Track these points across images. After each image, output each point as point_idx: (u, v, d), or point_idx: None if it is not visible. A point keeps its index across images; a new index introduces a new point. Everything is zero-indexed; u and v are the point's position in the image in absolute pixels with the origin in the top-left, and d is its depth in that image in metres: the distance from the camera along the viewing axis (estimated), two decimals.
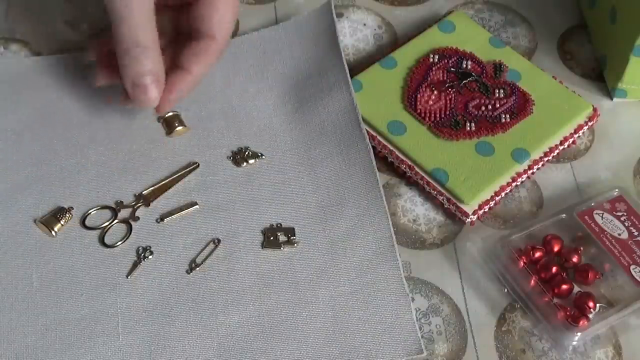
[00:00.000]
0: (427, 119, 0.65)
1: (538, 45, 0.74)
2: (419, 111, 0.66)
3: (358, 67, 0.70)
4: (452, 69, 0.68)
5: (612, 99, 0.70)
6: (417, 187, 0.64)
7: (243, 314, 0.56)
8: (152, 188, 0.61)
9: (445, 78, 0.68)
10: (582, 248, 0.60)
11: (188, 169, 0.62)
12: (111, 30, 0.57)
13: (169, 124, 0.65)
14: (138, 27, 0.56)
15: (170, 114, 0.65)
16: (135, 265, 0.58)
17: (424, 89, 0.67)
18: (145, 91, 0.58)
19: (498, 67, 0.69)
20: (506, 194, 0.63)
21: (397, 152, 0.64)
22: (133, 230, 0.59)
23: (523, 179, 0.64)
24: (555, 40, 0.74)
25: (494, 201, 0.62)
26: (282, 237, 0.59)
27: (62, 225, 0.59)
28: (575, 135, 0.66)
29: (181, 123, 0.65)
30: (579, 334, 0.56)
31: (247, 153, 0.64)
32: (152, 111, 0.65)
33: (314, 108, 0.66)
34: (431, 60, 0.69)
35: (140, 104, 0.59)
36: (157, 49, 0.57)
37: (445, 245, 0.61)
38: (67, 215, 0.60)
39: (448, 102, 0.66)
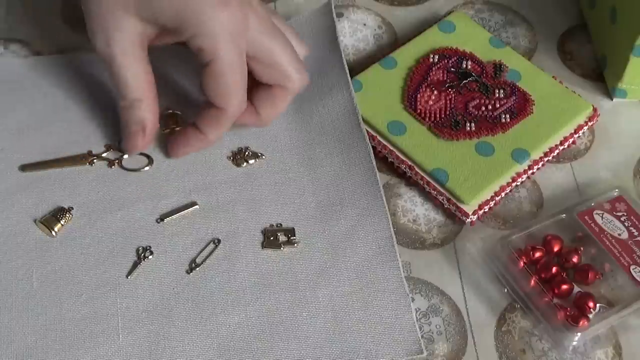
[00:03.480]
0: (427, 119, 0.65)
1: (538, 45, 0.74)
2: (419, 111, 0.66)
3: (358, 67, 0.70)
4: (452, 69, 0.68)
5: (612, 99, 0.70)
6: (417, 187, 0.64)
7: (243, 314, 0.56)
8: None
9: (445, 78, 0.68)
10: (582, 248, 0.60)
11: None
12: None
13: (167, 125, 0.65)
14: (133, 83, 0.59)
15: (170, 112, 0.65)
16: (135, 265, 0.58)
17: (424, 89, 0.67)
18: (132, 138, 0.61)
19: (498, 67, 0.69)
20: (506, 194, 0.63)
21: (397, 152, 0.64)
22: (133, 230, 0.59)
23: (523, 179, 0.64)
24: (555, 40, 0.74)
25: (494, 201, 0.62)
26: (282, 237, 0.59)
27: (62, 225, 0.59)
28: (575, 135, 0.66)
29: (178, 124, 0.65)
30: (579, 334, 0.56)
31: (247, 153, 0.64)
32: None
33: (314, 108, 0.66)
34: (431, 60, 0.69)
35: (128, 148, 0.62)
36: (150, 101, 0.60)
37: (445, 245, 0.61)
38: (67, 215, 0.60)
39: (448, 102, 0.66)
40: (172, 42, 0.60)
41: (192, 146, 0.62)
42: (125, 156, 0.63)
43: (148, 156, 0.63)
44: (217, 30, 0.55)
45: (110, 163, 0.62)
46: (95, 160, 0.63)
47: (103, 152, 0.63)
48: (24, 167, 0.62)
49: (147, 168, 0.62)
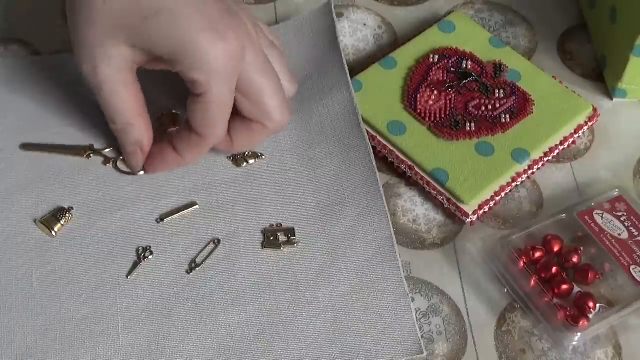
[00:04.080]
0: (427, 119, 0.65)
1: (538, 45, 0.74)
2: (419, 111, 0.66)
3: (358, 67, 0.70)
4: (452, 69, 0.68)
5: (612, 99, 0.70)
6: (417, 187, 0.64)
7: (243, 314, 0.56)
8: None
9: (445, 78, 0.68)
10: (582, 248, 0.60)
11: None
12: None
13: (167, 125, 0.65)
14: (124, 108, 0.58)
15: (169, 112, 0.65)
16: (135, 265, 0.58)
17: (424, 89, 0.67)
18: (133, 158, 0.61)
19: (498, 67, 0.69)
20: (506, 194, 0.63)
21: (397, 152, 0.64)
22: (132, 230, 0.59)
23: (523, 179, 0.64)
24: (555, 40, 0.74)
25: (494, 201, 0.62)
26: (282, 237, 0.59)
27: (62, 225, 0.59)
28: (575, 135, 0.66)
29: (177, 124, 0.65)
30: (579, 334, 0.56)
31: (247, 153, 0.64)
32: (155, 114, 0.65)
33: (314, 108, 0.66)
34: (431, 60, 0.69)
35: (131, 167, 0.62)
36: (141, 122, 0.59)
37: (445, 245, 0.61)
38: (67, 215, 0.60)
39: (448, 102, 0.66)
40: (161, 69, 0.58)
41: (169, 166, 0.62)
42: (122, 157, 0.63)
43: None
44: (212, 65, 0.54)
45: (106, 161, 0.62)
46: (92, 155, 0.63)
47: (104, 149, 0.63)
48: (24, 146, 0.63)
49: (141, 173, 0.62)
